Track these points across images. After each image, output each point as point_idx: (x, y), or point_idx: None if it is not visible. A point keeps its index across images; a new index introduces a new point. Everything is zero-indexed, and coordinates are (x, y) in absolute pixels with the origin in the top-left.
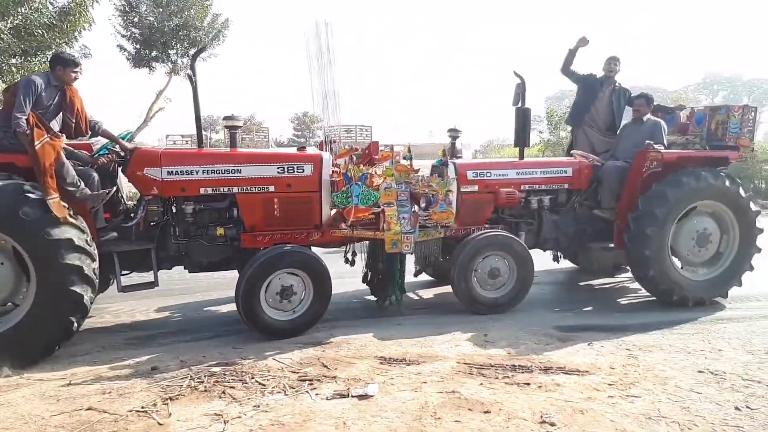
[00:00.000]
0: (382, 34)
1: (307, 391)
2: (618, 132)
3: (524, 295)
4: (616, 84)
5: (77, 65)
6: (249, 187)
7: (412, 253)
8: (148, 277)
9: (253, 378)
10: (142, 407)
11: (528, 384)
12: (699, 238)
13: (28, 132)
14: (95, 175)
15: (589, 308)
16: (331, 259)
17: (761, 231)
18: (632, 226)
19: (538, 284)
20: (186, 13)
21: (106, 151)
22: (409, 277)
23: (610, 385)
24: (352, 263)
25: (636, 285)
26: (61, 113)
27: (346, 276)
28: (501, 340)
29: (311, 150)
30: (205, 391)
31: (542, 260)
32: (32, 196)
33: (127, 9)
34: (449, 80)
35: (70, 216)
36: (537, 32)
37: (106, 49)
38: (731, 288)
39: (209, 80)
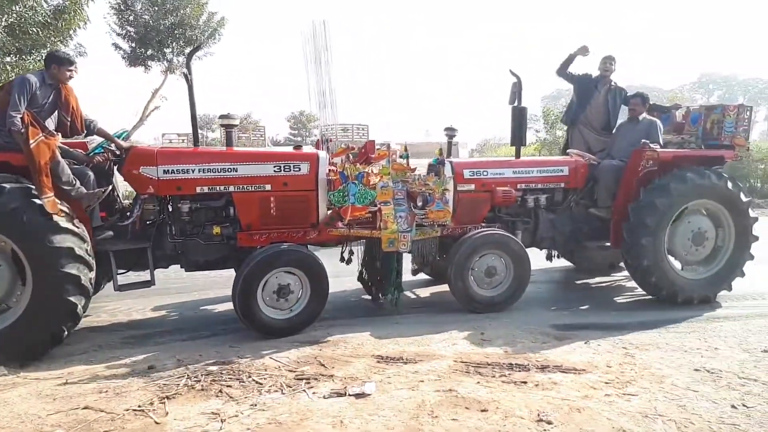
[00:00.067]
0: (377, 32)
1: (304, 390)
2: (614, 131)
3: (521, 294)
4: (612, 83)
5: (72, 64)
6: (245, 186)
7: (408, 252)
8: (144, 276)
9: (250, 377)
10: (139, 406)
11: (525, 382)
12: (695, 237)
13: (23, 131)
14: (91, 173)
15: (586, 307)
16: (328, 258)
17: (757, 239)
18: (632, 218)
19: (535, 283)
20: (181, 11)
21: (102, 150)
22: (406, 276)
23: (606, 383)
24: (348, 262)
25: (632, 284)
26: (56, 112)
27: (343, 275)
28: (498, 339)
29: (308, 149)
30: (202, 389)
31: (539, 259)
32: (38, 201)
33: (122, 7)
34: (445, 79)
35: (66, 215)
36: (534, 31)
37: (102, 48)
38: (721, 291)
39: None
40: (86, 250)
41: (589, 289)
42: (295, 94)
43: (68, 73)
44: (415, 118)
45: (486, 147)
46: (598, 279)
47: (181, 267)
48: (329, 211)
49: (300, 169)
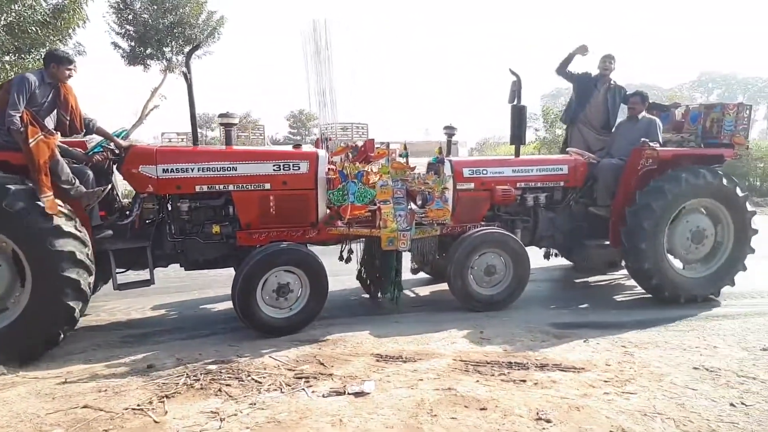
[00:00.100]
0: (377, 31)
1: (303, 389)
2: (613, 130)
3: (520, 293)
4: (611, 82)
5: (71, 62)
6: (245, 185)
7: (408, 251)
8: (143, 275)
9: (249, 376)
10: (138, 405)
11: (524, 381)
12: (694, 235)
13: (22, 129)
14: (90, 172)
15: (585, 305)
16: (327, 257)
17: (756, 231)
18: (629, 221)
19: (534, 281)
20: (181, 10)
21: (101, 149)
22: (405, 275)
23: (605, 381)
24: (347, 260)
25: (631, 282)
26: (55, 111)
27: (343, 273)
28: (497, 338)
29: (307, 147)
30: (202, 388)
31: (538, 257)
32: (14, 187)
33: (121, 6)
34: (445, 78)
35: (67, 216)
36: (533, 30)
37: (101, 47)
38: (723, 287)
39: (204, 78)
40: (87, 255)
41: (588, 288)
42: (295, 93)
43: (67, 72)
44: (414, 117)
45: (485, 146)
46: (597, 278)
47: (181, 266)
48: (329, 210)
49: (299, 168)
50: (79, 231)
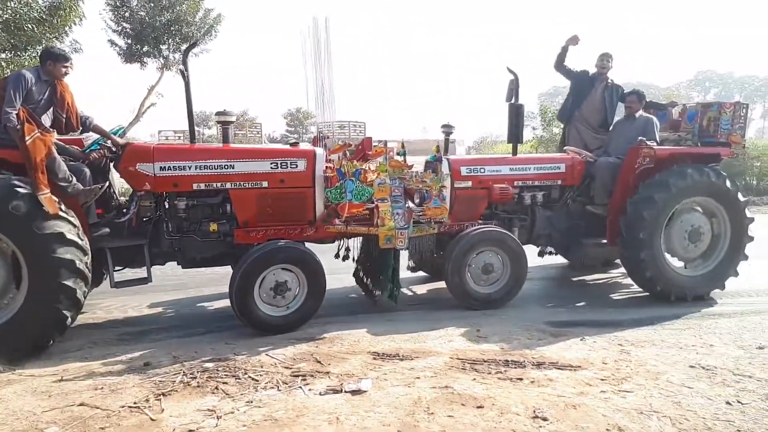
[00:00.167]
0: (375, 30)
1: (300, 387)
2: (610, 128)
3: (518, 291)
4: (609, 80)
5: (68, 60)
6: (242, 183)
7: (406, 249)
8: (140, 272)
9: (246, 373)
10: (135, 403)
11: (521, 379)
12: (691, 234)
13: (18, 127)
14: (87, 170)
15: (582, 304)
16: (324, 255)
17: (752, 239)
18: (630, 211)
19: (531, 280)
20: (178, 8)
21: (98, 147)
22: (402, 273)
23: (602, 380)
24: (344, 258)
25: (628, 281)
26: (51, 108)
27: (340, 272)
28: (494, 336)
29: (304, 145)
30: (198, 386)
31: (535, 256)
32: (22, 190)
33: (118, 4)
34: (443, 76)
35: (62, 211)
36: (531, 30)
37: (97, 44)
38: (714, 289)
39: (201, 75)
40: (86, 264)
41: (584, 286)
42: (292, 91)
43: (64, 70)
44: (412, 116)
45: (483, 144)
46: (593, 276)
47: (178, 264)
48: (326, 208)
49: (297, 166)
50: (81, 239)
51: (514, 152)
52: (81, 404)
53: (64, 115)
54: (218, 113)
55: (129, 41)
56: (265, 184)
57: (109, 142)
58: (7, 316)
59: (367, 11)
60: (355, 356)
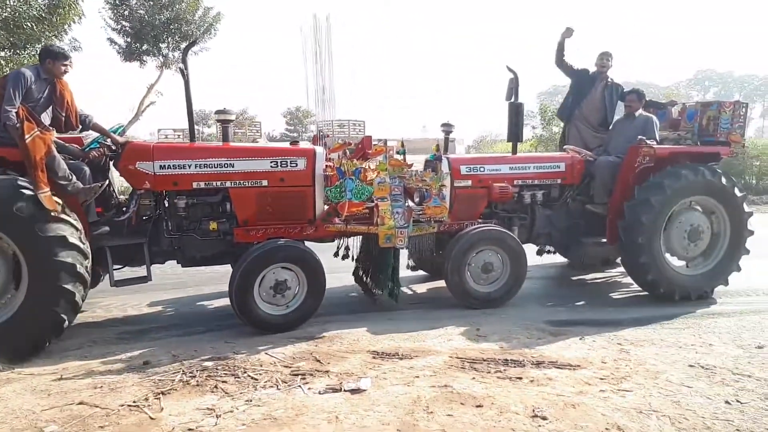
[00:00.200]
0: (374, 28)
1: (299, 386)
2: (610, 128)
3: (517, 290)
4: (609, 79)
5: (67, 58)
6: (242, 182)
7: (405, 248)
8: (140, 271)
9: (245, 372)
10: (134, 402)
11: (520, 378)
12: (690, 234)
13: (18, 125)
14: (87, 168)
15: (581, 303)
16: (324, 254)
17: (752, 233)
18: (628, 216)
19: (531, 279)
20: (177, 6)
21: (98, 145)
22: (402, 272)
23: (601, 379)
24: (343, 257)
25: (627, 280)
26: (50, 107)
27: (340, 270)
28: (493, 335)
29: (304, 144)
30: (198, 385)
31: (534, 255)
32: (27, 192)
33: (117, 2)
34: (442, 75)
35: (63, 210)
36: (530, 29)
37: (97, 43)
38: (718, 285)
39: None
40: (86, 268)
41: (584, 285)
42: (292, 90)
43: (63, 68)
44: (411, 114)
45: (482, 143)
46: (593, 275)
47: (178, 263)
48: (326, 207)
49: (297, 165)
50: (83, 243)
51: (514, 151)
52: (80, 403)
53: (64, 114)
54: (218, 112)
55: (128, 39)
56: (264, 182)
57: (108, 140)
58: (6, 316)
59: (367, 10)
60: (355, 355)
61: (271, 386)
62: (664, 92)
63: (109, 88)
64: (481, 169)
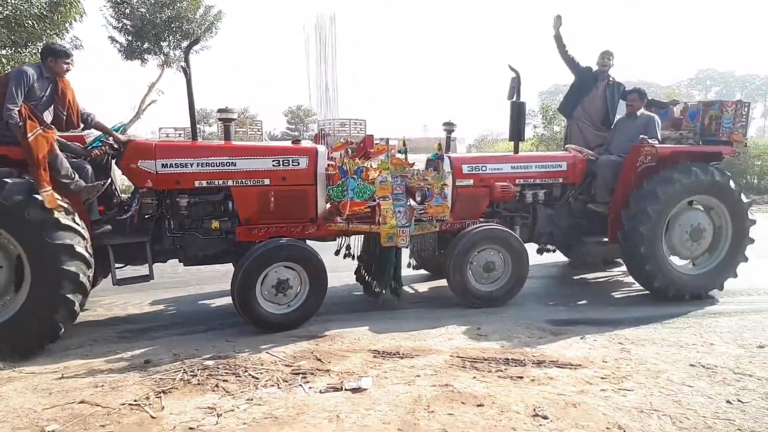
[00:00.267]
0: (374, 26)
1: (300, 385)
2: (612, 127)
3: (519, 290)
4: (610, 78)
5: (69, 56)
6: (244, 180)
7: (407, 247)
8: (142, 270)
9: (246, 371)
10: (135, 400)
11: (521, 377)
12: (692, 233)
13: (20, 124)
14: (89, 167)
15: (582, 302)
16: (326, 253)
17: (752, 241)
18: (633, 205)
19: (532, 278)
20: (178, 4)
21: (100, 144)
22: (404, 271)
23: (602, 378)
24: (345, 256)
25: (629, 279)
26: (52, 105)
27: (341, 269)
28: (494, 334)
29: (306, 143)
30: (198, 384)
31: (536, 254)
32: (10, 180)
33: (118, 0)
34: (443, 74)
35: (65, 209)
36: (531, 28)
37: (98, 41)
38: (712, 289)
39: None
40: (86, 247)
41: (585, 285)
42: (293, 89)
43: (65, 66)
44: (412, 113)
45: (483, 143)
46: (594, 274)
47: (180, 261)
48: (328, 206)
49: (299, 164)
50: (77, 224)
51: (516, 150)
52: (81, 402)
53: (65, 113)
54: (220, 110)
55: (129, 38)
56: (267, 181)
57: (110, 139)
58: (13, 310)
59: (368, 8)
60: (356, 354)
61: (272, 385)
62: (665, 92)
63: (110, 86)
64: (483, 168)
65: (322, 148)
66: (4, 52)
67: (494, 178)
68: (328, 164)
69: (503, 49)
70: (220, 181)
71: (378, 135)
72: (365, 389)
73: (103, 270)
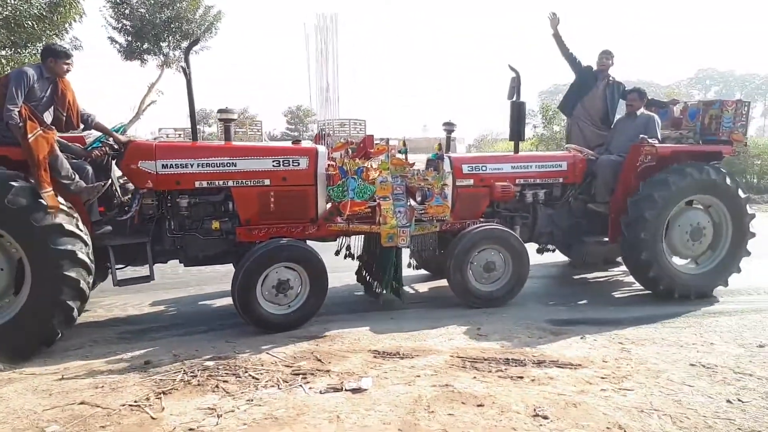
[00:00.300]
0: (374, 27)
1: (300, 385)
2: (612, 126)
3: (519, 289)
4: (610, 78)
5: (69, 57)
6: (244, 181)
7: (407, 247)
8: (142, 270)
9: (246, 372)
10: (135, 401)
11: (521, 377)
12: (693, 233)
13: (21, 125)
14: (89, 168)
15: (583, 302)
16: (326, 253)
17: (753, 235)
18: (630, 211)
19: (532, 278)
20: (178, 5)
21: (100, 144)
22: (404, 271)
23: (602, 378)
24: (345, 256)
25: (629, 279)
26: (52, 106)
27: (341, 270)
28: (494, 334)
29: (306, 143)
30: (199, 385)
31: (536, 254)
32: (17, 184)
33: (118, 1)
34: (442, 74)
35: (66, 212)
36: (531, 28)
37: (98, 42)
38: (717, 286)
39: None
40: (87, 254)
41: (585, 285)
42: (292, 89)
43: (65, 67)
44: (412, 113)
45: (483, 143)
46: (594, 274)
47: (180, 262)
48: (328, 206)
49: (299, 164)
50: (81, 230)
51: (516, 150)
52: (82, 403)
53: (65, 114)
54: (220, 111)
55: (129, 38)
56: (267, 182)
57: (111, 139)
58: (12, 313)
59: (368, 8)
60: (356, 355)
61: (272, 386)
62: (665, 91)
63: (110, 87)
64: (483, 168)
65: (322, 149)
66: (3, 52)
67: (494, 178)
68: (329, 164)
69: (503, 49)
70: (221, 182)
71: (378, 135)
72: (365, 390)
73: (101, 274)
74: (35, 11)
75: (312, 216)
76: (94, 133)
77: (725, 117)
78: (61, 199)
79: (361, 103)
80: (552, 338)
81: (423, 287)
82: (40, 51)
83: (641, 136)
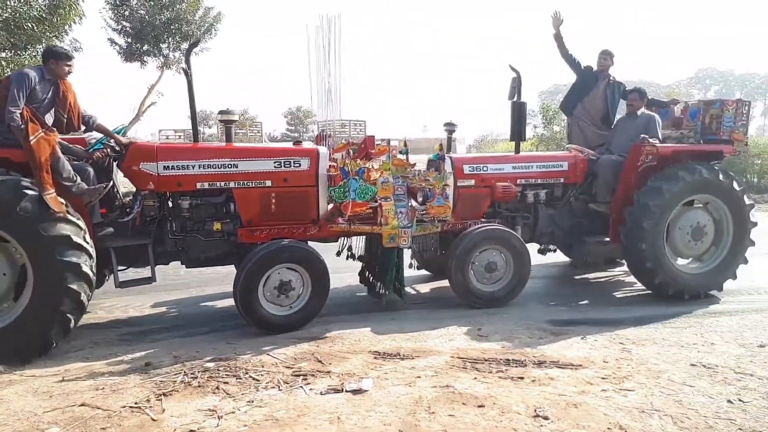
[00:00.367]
0: (374, 27)
1: (301, 386)
2: (612, 126)
3: (521, 290)
4: (611, 78)
5: (70, 59)
6: (245, 182)
7: (409, 248)
8: (144, 272)
9: (247, 373)
10: (136, 403)
11: (522, 378)
12: (694, 233)
13: (22, 126)
14: (91, 169)
15: (583, 302)
16: (327, 254)
17: (755, 224)
18: (636, 202)
19: (533, 278)
20: (177, 6)
21: (101, 146)
22: (406, 271)
23: (603, 378)
24: (347, 257)
25: (630, 279)
26: (53, 108)
27: (343, 270)
28: (495, 335)
29: (307, 144)
30: (199, 386)
31: (537, 255)
32: (30, 192)
33: (117, 2)
34: (443, 74)
35: (68, 211)
36: (530, 28)
37: (97, 43)
38: (726, 280)
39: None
40: (91, 267)
41: (586, 285)
42: (292, 90)
43: (66, 68)
44: (412, 114)
45: (483, 143)
46: (595, 274)
47: (182, 263)
48: (330, 207)
49: (300, 165)
50: (87, 242)
51: (517, 150)
52: (82, 404)
53: (65, 116)
54: (221, 112)
55: (129, 40)
56: (268, 183)
57: (112, 141)
58: (11, 318)
59: (368, 9)
60: (356, 356)
61: (273, 387)
62: (665, 91)
63: (110, 88)
64: (484, 169)
65: (323, 150)
66: (3, 54)
67: (495, 178)
68: (330, 165)
69: (503, 50)
70: (222, 183)
71: (378, 136)
72: (366, 390)
73: (99, 278)
74: (35, 13)
75: (313, 217)
76: (96, 135)
77: (726, 116)
78: (70, 209)
79: (362, 103)
80: (553, 339)
81: (424, 288)
82: (40, 53)
83: (642, 135)
